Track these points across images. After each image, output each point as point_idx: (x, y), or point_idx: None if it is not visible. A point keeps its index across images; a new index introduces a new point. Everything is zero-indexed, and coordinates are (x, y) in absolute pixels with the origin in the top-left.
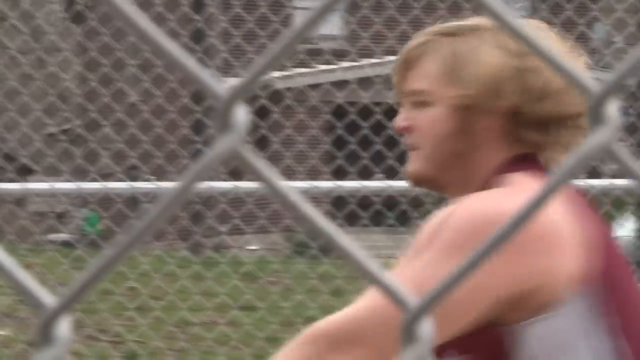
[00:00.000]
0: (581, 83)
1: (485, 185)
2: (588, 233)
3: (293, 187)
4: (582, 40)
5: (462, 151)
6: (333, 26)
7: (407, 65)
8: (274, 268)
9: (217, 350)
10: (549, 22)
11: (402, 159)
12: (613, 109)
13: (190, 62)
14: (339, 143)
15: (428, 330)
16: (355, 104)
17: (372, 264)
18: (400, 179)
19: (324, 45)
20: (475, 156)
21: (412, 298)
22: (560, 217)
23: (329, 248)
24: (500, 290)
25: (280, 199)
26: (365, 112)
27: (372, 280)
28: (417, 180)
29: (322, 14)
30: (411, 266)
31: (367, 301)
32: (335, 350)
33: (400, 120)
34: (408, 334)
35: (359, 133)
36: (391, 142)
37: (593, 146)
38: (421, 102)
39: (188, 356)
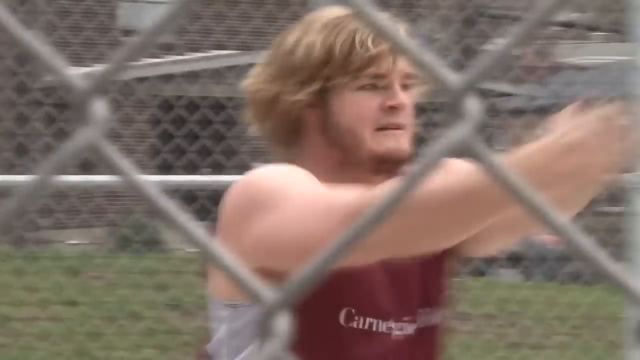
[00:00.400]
0: (441, 77)
1: None
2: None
3: (149, 181)
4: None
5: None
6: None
7: None
8: (97, 263)
9: (37, 346)
10: None
11: (228, 153)
12: (472, 103)
13: (45, 55)
14: (165, 137)
15: (285, 324)
16: (182, 97)
17: (230, 258)
18: (228, 173)
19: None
20: None
21: (268, 292)
22: None
23: (152, 242)
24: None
25: (137, 192)
26: (192, 106)
27: (232, 276)
28: (408, 159)
29: (181, 9)
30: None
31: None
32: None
33: (404, 98)
34: (265, 327)
35: (186, 127)
36: (217, 137)
37: (452, 141)
38: (408, 84)
39: (7, 351)
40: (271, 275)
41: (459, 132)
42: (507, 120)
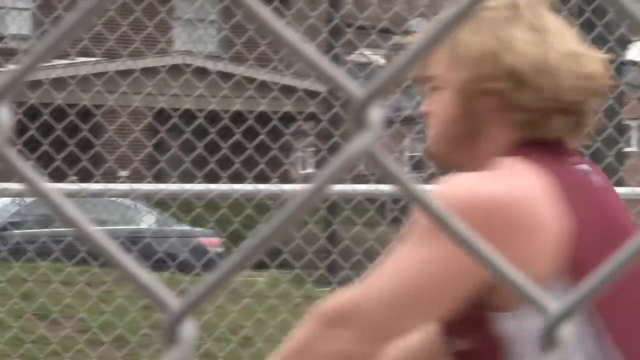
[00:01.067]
0: (343, 87)
1: (485, 167)
2: (579, 225)
3: (57, 190)
4: (275, 47)
5: (468, 133)
6: (24, 25)
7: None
8: None
9: None
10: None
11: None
12: (375, 113)
13: None
14: (35, 145)
15: (190, 331)
16: (49, 104)
17: (132, 264)
18: (97, 181)
19: (16, 45)
20: (480, 138)
21: (173, 300)
22: (542, 207)
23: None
24: (479, 273)
25: (45, 201)
26: (58, 113)
27: (133, 280)
28: (433, 159)
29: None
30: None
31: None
32: (330, 327)
33: (423, 106)
34: (170, 335)
35: (52, 134)
36: (86, 145)
37: (355, 150)
38: (436, 86)
39: None
40: None
41: (362, 141)
42: None
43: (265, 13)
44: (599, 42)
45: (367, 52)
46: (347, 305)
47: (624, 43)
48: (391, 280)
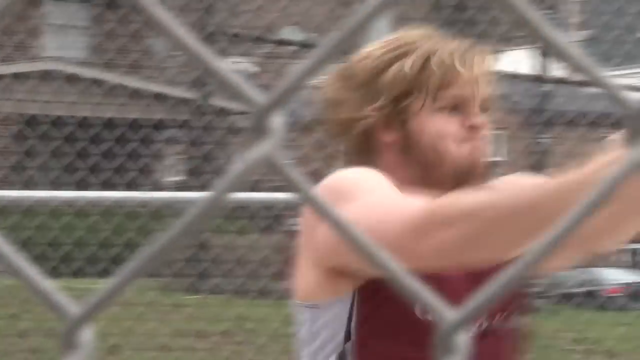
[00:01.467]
0: (244, 94)
1: None
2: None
3: None
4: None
5: None
6: None
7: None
8: None
9: None
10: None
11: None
12: (278, 121)
13: None
14: None
15: (89, 337)
16: None
17: (31, 270)
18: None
19: None
20: None
21: (73, 306)
22: None
23: None
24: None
25: None
26: None
27: (33, 289)
28: (483, 170)
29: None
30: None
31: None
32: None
33: (482, 119)
34: (68, 341)
35: None
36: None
37: (256, 158)
38: (487, 107)
39: None
40: (346, 275)
41: (263, 148)
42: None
43: (164, 17)
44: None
45: (239, 59)
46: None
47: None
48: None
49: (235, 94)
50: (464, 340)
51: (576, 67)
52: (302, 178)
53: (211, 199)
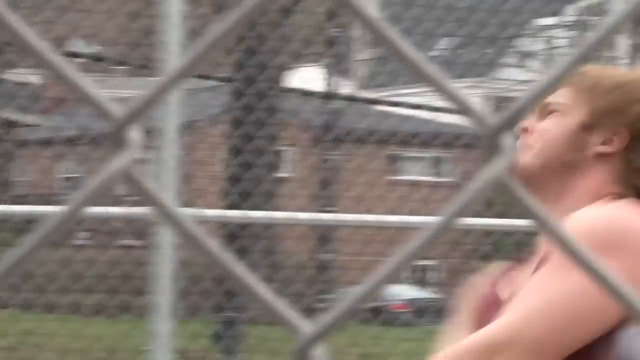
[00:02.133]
0: (102, 106)
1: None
2: None
3: None
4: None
5: (568, 163)
6: None
7: None
8: None
9: None
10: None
11: None
12: (136, 134)
13: None
14: None
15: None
16: None
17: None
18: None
19: None
20: (577, 174)
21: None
22: None
23: None
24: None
25: None
26: None
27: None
28: (521, 173)
29: None
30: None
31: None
32: (493, 356)
33: (525, 123)
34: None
35: None
36: None
37: (113, 171)
38: (552, 110)
39: None
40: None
41: (121, 161)
42: (35, 151)
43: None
44: None
45: (27, 71)
46: (503, 332)
47: (281, 69)
48: (542, 302)
49: (95, 106)
50: (320, 354)
51: (430, 82)
52: (159, 191)
53: (67, 214)
